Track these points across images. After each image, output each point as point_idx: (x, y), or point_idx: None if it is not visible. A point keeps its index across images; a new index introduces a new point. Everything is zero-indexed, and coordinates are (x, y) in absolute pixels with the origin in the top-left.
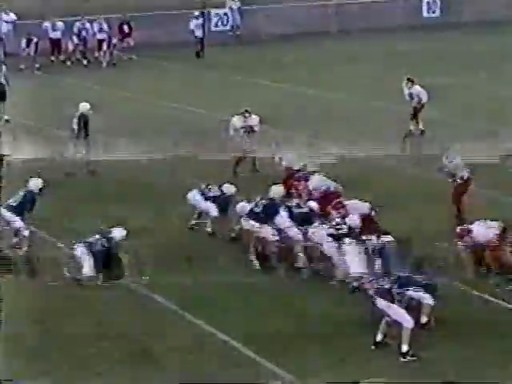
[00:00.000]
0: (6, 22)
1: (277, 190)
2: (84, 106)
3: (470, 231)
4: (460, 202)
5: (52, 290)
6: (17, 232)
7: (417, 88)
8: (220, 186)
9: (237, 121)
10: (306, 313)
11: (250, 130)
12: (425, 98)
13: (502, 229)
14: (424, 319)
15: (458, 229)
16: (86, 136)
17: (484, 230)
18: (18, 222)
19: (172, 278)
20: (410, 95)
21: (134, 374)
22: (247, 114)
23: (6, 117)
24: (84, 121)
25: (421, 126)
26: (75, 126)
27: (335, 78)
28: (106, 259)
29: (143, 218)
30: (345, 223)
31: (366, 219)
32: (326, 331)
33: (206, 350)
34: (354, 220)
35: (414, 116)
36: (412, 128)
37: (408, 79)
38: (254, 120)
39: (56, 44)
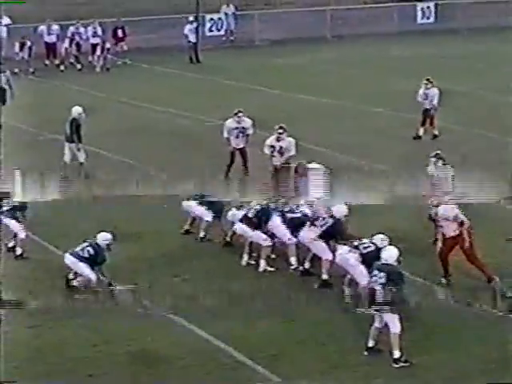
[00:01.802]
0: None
1: None
2: (76, 110)
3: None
4: None
5: (47, 293)
6: (15, 235)
7: (434, 90)
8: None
9: (230, 123)
10: (298, 318)
11: (242, 131)
12: (436, 101)
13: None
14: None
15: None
16: (80, 140)
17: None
18: (15, 225)
19: (165, 283)
20: (426, 95)
21: (128, 378)
22: (240, 114)
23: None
24: (76, 125)
25: (436, 132)
26: (68, 131)
27: (330, 84)
28: (93, 266)
29: (136, 223)
30: None
31: None
32: (318, 336)
33: (198, 355)
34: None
35: (424, 120)
36: (421, 133)
37: (427, 79)
38: (246, 122)
39: (51, 48)
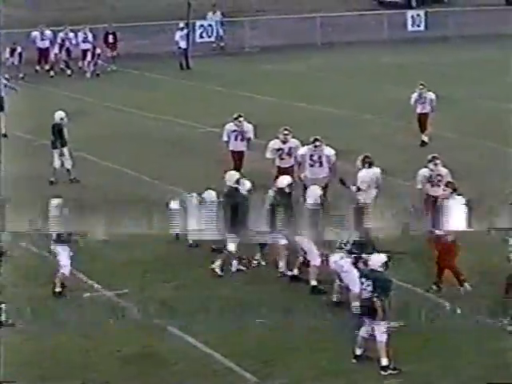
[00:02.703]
0: None
1: (231, 176)
2: (58, 115)
3: None
4: None
5: (43, 299)
6: None
7: (431, 94)
8: (200, 194)
9: (230, 126)
10: (288, 324)
11: (241, 134)
12: (434, 103)
13: None
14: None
15: None
16: (64, 145)
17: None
18: None
19: (153, 290)
20: (423, 99)
21: (120, 383)
22: (241, 119)
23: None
24: (58, 130)
25: (426, 138)
26: (51, 136)
27: (320, 90)
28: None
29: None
30: None
31: None
32: (309, 343)
33: (188, 362)
34: None
35: (421, 125)
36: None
37: (421, 84)
38: (246, 127)
39: (44, 53)
